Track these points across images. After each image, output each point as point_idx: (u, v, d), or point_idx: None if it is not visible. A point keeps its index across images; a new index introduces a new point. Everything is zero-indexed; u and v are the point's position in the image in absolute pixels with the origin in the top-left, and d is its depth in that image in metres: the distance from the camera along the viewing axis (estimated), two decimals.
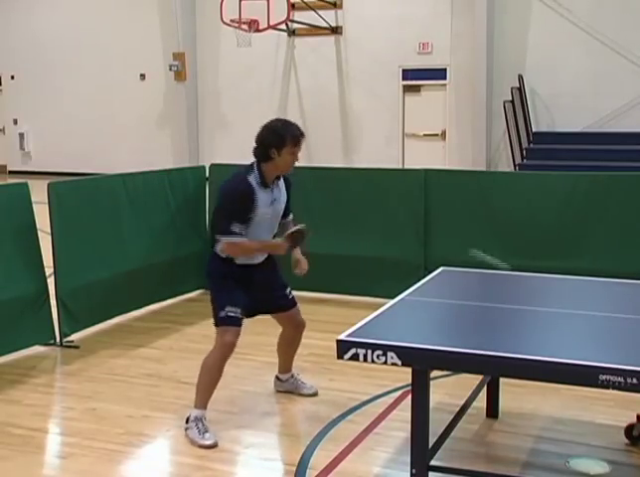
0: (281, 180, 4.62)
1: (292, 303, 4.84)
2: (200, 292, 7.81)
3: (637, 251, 6.44)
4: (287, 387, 5.12)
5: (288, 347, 5.02)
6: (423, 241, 7.07)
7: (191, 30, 18.68)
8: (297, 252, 4.77)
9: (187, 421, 4.46)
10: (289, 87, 18.10)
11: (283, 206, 4.66)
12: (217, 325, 4.56)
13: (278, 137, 4.38)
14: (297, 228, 4.56)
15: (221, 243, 4.48)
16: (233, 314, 4.49)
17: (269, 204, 4.50)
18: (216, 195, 7.64)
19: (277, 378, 5.16)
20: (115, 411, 4.84)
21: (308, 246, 4.86)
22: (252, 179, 4.43)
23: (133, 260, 6.79)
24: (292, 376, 5.12)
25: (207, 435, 4.36)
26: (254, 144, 4.47)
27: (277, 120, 4.54)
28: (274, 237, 4.70)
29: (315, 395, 5.08)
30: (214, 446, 4.32)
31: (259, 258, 4.62)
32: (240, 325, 4.52)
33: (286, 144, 4.38)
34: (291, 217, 4.81)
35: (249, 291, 4.58)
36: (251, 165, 4.49)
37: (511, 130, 15.02)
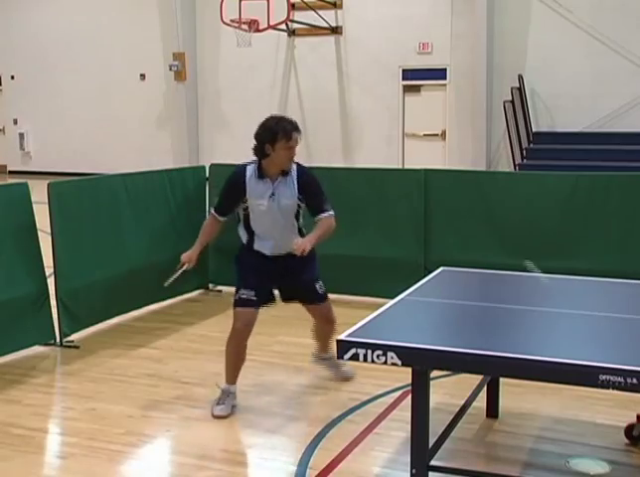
0: (290, 178, 4.72)
1: (320, 298, 4.98)
2: (200, 292, 7.82)
3: (637, 251, 6.44)
4: (327, 365, 5.26)
5: (320, 335, 5.19)
6: (423, 241, 7.07)
7: (191, 30, 18.68)
8: (309, 235, 4.77)
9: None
10: (289, 88, 18.10)
11: (289, 203, 4.74)
12: (233, 307, 4.79)
13: (271, 133, 4.55)
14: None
15: None
16: (245, 296, 4.69)
17: (266, 196, 4.66)
18: (216, 194, 7.73)
19: (318, 355, 5.28)
20: (115, 411, 4.84)
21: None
22: (250, 168, 4.70)
23: (133, 260, 6.79)
24: (333, 357, 5.07)
25: (218, 407, 4.68)
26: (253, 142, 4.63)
27: (271, 117, 4.69)
28: (301, 233, 4.87)
29: (352, 378, 5.25)
30: (219, 417, 4.65)
31: (270, 250, 4.78)
32: (252, 307, 4.72)
33: (279, 139, 4.54)
34: (321, 217, 4.78)
35: (268, 277, 4.79)
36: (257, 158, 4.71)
37: (511, 130, 15.02)
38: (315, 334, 5.22)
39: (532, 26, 15.75)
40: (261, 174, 4.66)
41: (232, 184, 4.77)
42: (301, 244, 4.61)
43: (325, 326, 5.07)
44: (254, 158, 4.72)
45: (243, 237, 4.84)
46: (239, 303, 4.73)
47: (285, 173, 4.70)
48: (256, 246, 4.79)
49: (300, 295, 4.98)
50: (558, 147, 14.75)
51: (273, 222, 4.73)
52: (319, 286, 4.96)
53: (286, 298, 5.02)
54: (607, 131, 14.96)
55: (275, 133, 4.53)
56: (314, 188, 4.80)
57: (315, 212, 4.81)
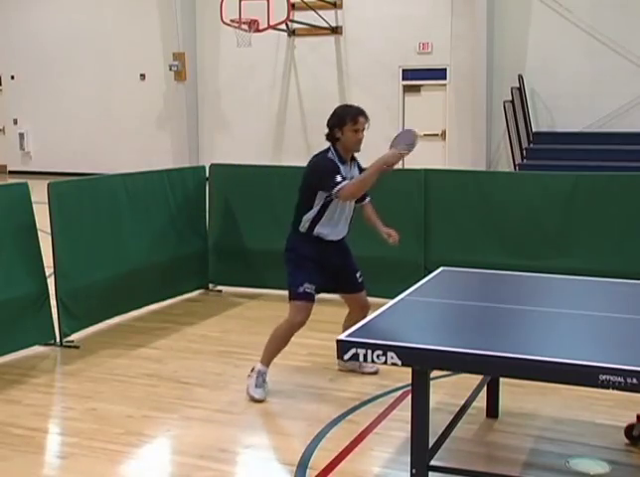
0: (355, 163, 5.09)
1: (361, 287, 5.27)
2: (200, 292, 7.82)
3: (637, 251, 6.44)
4: (349, 365, 5.36)
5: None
6: (423, 241, 7.07)
7: (191, 30, 18.69)
8: (381, 226, 5.27)
9: (252, 370, 4.99)
10: (289, 87, 18.11)
11: None
12: (293, 299, 4.97)
13: (338, 118, 4.95)
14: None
15: (338, 194, 4.83)
16: (310, 290, 4.93)
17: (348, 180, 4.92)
18: (216, 194, 7.75)
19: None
20: (115, 411, 4.84)
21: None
22: (332, 155, 4.97)
23: (133, 260, 6.78)
24: None
25: (259, 390, 4.91)
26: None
27: (340, 106, 5.12)
28: (350, 222, 5.20)
29: (376, 373, 5.35)
30: (260, 401, 4.88)
31: (333, 234, 5.05)
32: (313, 301, 4.97)
33: (346, 122, 4.91)
34: (368, 200, 5.30)
35: (324, 270, 5.03)
36: (328, 148, 5.01)
37: (511, 130, 15.02)
38: (350, 327, 5.24)
39: (532, 26, 15.76)
40: (341, 158, 4.95)
41: (334, 166, 4.89)
42: (395, 234, 5.16)
43: (361, 315, 5.02)
44: (321, 150, 5.02)
45: (306, 223, 4.98)
46: (302, 297, 4.92)
47: (353, 158, 5.05)
48: (317, 231, 5.00)
49: (342, 284, 5.22)
50: (558, 147, 14.76)
51: (343, 207, 5.02)
52: (359, 275, 5.25)
53: (325, 288, 5.15)
54: (607, 131, 14.97)
55: (343, 117, 4.90)
56: None
57: (363, 197, 5.21)
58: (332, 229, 5.06)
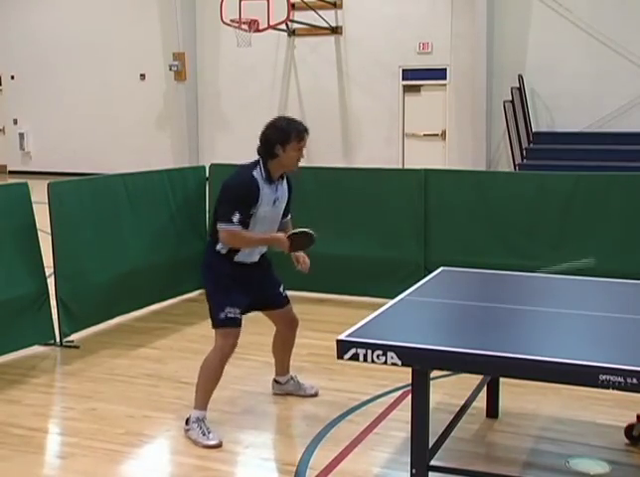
0: (285, 181, 4.61)
1: (286, 301, 4.83)
2: (200, 292, 7.79)
3: (637, 251, 6.44)
4: (288, 389, 5.08)
5: (284, 346, 4.99)
6: (423, 242, 7.07)
7: (191, 30, 18.69)
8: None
9: (187, 423, 4.47)
10: (289, 87, 18.10)
11: (283, 206, 4.64)
12: (216, 326, 4.54)
13: (283, 133, 4.39)
14: (303, 230, 4.51)
15: (220, 232, 4.39)
16: (232, 315, 4.47)
17: (272, 202, 4.48)
18: (216, 194, 7.73)
19: (276, 381, 5.10)
20: (115, 411, 4.84)
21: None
22: (257, 174, 4.42)
23: (133, 260, 6.78)
24: (292, 377, 5.09)
25: (211, 436, 4.37)
26: (259, 143, 4.46)
27: (281, 118, 4.56)
28: None
29: (316, 395, 5.07)
30: (219, 446, 4.33)
31: (255, 257, 4.59)
32: (239, 326, 4.52)
33: (291, 140, 4.39)
34: (289, 217, 4.80)
35: (247, 290, 4.55)
36: (256, 161, 4.48)
37: (511, 130, 15.02)
38: (278, 348, 4.99)
39: (532, 26, 15.75)
40: (270, 178, 4.44)
41: (248, 193, 4.36)
42: (306, 262, 4.65)
43: (290, 331, 4.88)
44: (253, 160, 4.49)
45: (225, 248, 4.47)
46: (226, 323, 4.47)
47: (282, 176, 4.55)
48: (238, 258, 4.51)
49: (269, 301, 4.76)
50: (558, 147, 14.76)
51: (265, 229, 4.51)
52: (282, 289, 4.80)
53: (250, 308, 4.66)
54: (607, 131, 14.97)
55: (288, 134, 4.38)
56: (292, 193, 4.71)
57: (284, 215, 4.71)
58: (254, 252, 4.55)
